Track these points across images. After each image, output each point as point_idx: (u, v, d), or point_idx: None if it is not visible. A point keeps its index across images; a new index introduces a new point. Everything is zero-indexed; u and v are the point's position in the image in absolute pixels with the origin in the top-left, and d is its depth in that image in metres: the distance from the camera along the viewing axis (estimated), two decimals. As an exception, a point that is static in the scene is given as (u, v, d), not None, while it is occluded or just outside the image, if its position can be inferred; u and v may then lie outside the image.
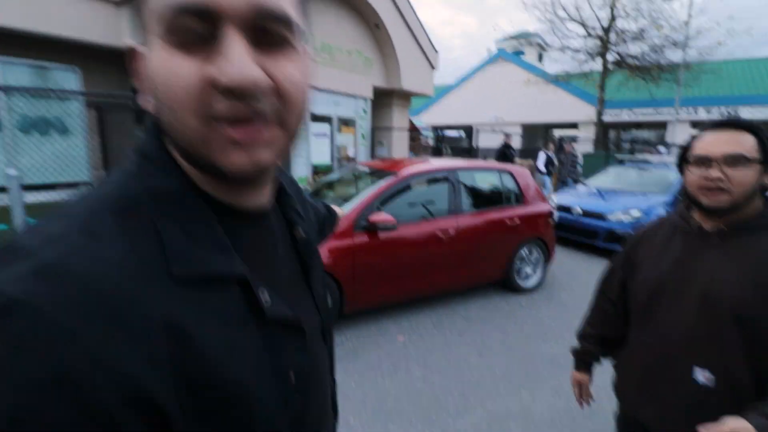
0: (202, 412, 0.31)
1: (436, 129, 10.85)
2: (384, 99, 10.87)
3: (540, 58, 24.05)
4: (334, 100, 9.10)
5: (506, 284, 4.13)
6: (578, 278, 4.75)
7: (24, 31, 6.01)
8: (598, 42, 13.59)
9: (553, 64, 15.61)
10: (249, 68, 0.31)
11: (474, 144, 9.91)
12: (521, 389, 2.52)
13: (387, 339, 3.11)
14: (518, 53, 23.60)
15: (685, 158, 1.00)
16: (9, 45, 6.28)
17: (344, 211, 3.22)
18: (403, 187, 3.46)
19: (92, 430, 0.25)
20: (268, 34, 0.33)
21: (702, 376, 0.93)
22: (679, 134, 18.08)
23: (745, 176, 0.89)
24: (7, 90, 4.27)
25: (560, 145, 10.58)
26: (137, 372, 0.27)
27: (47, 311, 0.25)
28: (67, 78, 7.14)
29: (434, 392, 2.47)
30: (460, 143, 20.64)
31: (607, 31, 13.19)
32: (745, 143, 0.90)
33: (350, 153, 9.80)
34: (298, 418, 0.41)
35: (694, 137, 1.00)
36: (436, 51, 11.11)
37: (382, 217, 3.09)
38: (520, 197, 4.17)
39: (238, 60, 0.31)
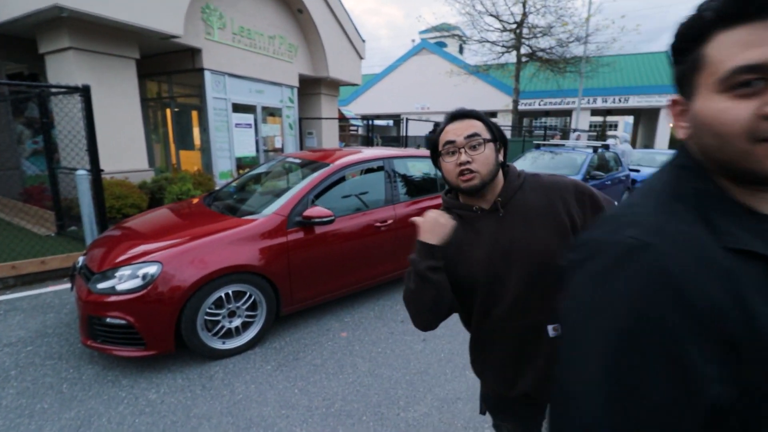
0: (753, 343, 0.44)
1: (366, 118, 10.78)
2: (311, 88, 10.51)
3: (461, 50, 25.05)
4: (258, 87, 8.54)
5: (444, 269, 4.21)
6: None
7: None
8: (512, 36, 14.51)
9: (473, 56, 16.36)
10: None
11: (403, 133, 10.01)
12: (466, 370, 2.58)
13: (329, 337, 3.00)
14: (441, 44, 24.35)
15: (437, 152, 1.07)
16: None
17: (274, 208, 3.02)
18: (338, 179, 3.33)
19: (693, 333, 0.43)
20: None
21: (552, 329, 1.01)
22: (582, 121, 20.05)
23: (486, 156, 1.02)
24: None
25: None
26: (713, 294, 0.44)
27: (662, 249, 0.46)
28: None
29: (383, 386, 2.43)
30: (389, 132, 20.85)
31: (519, 25, 14.13)
32: (477, 126, 1.04)
33: (277, 144, 9.34)
34: None
35: (436, 132, 1.09)
36: (363, 40, 10.98)
37: (317, 211, 2.93)
38: (452, 184, 4.26)
39: None
